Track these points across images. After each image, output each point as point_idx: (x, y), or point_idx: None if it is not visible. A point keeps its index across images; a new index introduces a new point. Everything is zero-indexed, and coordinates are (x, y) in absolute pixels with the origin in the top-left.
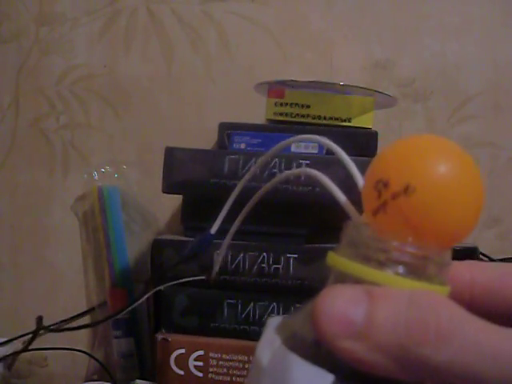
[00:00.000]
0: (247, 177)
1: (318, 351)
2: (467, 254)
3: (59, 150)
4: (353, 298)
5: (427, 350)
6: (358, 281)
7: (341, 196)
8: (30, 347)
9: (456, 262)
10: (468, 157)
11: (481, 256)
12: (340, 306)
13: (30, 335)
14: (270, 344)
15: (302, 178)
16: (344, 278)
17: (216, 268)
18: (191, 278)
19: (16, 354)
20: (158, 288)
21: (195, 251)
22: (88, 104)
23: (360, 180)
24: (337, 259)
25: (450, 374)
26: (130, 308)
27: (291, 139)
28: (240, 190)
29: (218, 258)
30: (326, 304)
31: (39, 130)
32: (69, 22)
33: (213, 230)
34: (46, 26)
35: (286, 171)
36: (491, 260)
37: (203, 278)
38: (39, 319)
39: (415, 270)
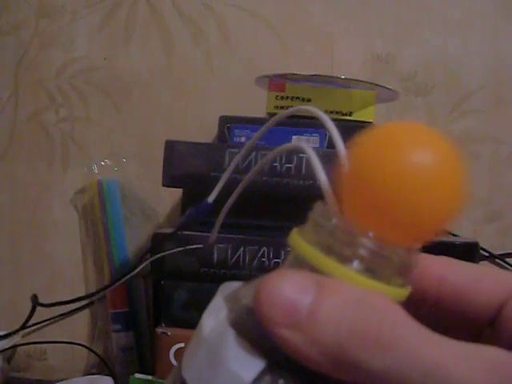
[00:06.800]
0: (250, 144)
1: (260, 332)
2: (467, 249)
3: (59, 143)
4: (301, 285)
5: (364, 355)
6: (313, 269)
7: (322, 175)
8: (30, 341)
9: (429, 256)
10: (448, 149)
11: (481, 251)
12: (286, 292)
13: (28, 322)
14: (215, 313)
15: (304, 172)
16: (301, 262)
17: (213, 236)
18: (190, 247)
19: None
20: (156, 257)
21: (192, 219)
22: (88, 97)
23: (340, 143)
24: (298, 242)
25: (385, 382)
26: (128, 277)
27: (282, 113)
28: (240, 159)
29: (216, 225)
30: (271, 286)
31: (39, 123)
32: (68, 15)
33: (210, 199)
34: (46, 18)
35: (277, 147)
36: (492, 255)
37: (201, 246)
38: (34, 297)
39: (374, 268)
